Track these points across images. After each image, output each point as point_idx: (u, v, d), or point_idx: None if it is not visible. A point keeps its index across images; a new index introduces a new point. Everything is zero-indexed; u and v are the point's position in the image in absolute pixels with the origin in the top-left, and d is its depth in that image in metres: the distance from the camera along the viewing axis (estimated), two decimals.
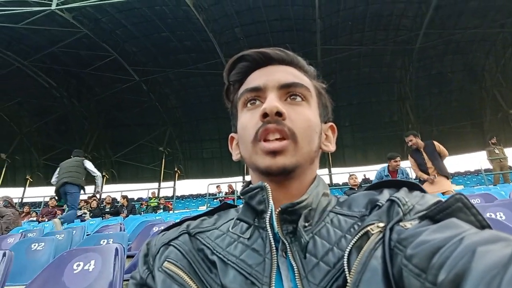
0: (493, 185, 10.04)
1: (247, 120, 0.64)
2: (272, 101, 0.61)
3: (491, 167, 11.47)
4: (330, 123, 0.74)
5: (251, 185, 0.62)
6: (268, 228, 0.55)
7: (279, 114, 0.60)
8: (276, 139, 0.59)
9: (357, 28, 16.42)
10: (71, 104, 20.60)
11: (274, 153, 0.59)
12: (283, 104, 0.63)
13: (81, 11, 14.15)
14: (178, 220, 0.71)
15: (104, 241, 3.55)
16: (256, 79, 0.67)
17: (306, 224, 0.57)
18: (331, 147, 0.71)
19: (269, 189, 0.59)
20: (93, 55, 16.94)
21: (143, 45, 17.05)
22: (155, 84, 20.13)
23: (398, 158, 6.90)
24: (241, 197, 0.65)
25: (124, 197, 10.66)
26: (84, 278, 1.91)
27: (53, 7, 13.02)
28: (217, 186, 14.55)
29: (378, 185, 0.64)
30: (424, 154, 6.27)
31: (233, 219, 0.65)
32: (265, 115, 0.60)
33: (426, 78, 19.84)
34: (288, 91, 0.65)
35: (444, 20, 15.87)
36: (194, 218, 0.70)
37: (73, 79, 19.46)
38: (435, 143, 6.38)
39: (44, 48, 16.06)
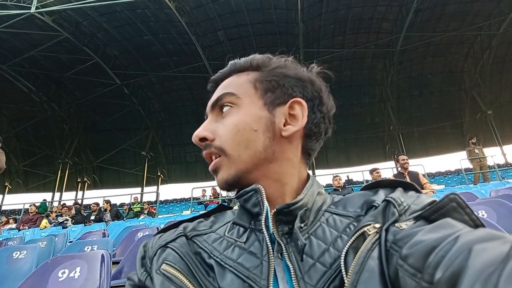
0: (473, 184, 10.24)
1: None
2: (197, 130, 0.65)
3: (471, 166, 11.71)
4: (293, 99, 0.65)
5: (245, 188, 0.61)
6: (264, 230, 0.55)
7: (203, 139, 0.64)
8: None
9: (338, 31, 16.61)
10: (51, 109, 20.25)
11: (214, 172, 0.63)
12: (217, 122, 0.66)
13: (61, 14, 13.94)
14: (173, 222, 0.70)
15: (88, 248, 3.51)
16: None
17: (302, 225, 0.56)
18: (296, 126, 0.63)
19: (263, 191, 0.58)
20: (74, 58, 16.72)
21: (124, 48, 16.89)
22: (137, 88, 19.96)
23: (379, 170, 7.33)
24: (236, 200, 0.64)
25: (107, 201, 10.44)
26: (70, 286, 1.89)
27: (33, 10, 12.79)
28: (203, 190, 14.45)
29: (374, 185, 0.64)
30: (407, 178, 6.45)
31: (229, 222, 0.64)
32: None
33: (407, 80, 20.20)
34: (218, 106, 0.66)
35: (424, 23, 16.21)
36: (191, 220, 0.69)
37: (53, 84, 19.15)
38: (420, 175, 6.60)
39: (23, 52, 15.79)
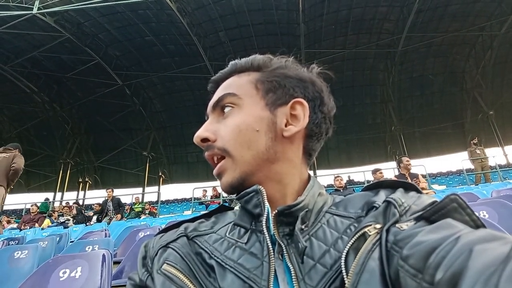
0: (475, 184, 10.22)
1: None
2: (199, 131, 0.65)
3: (472, 167, 11.70)
4: (294, 99, 0.65)
5: (246, 189, 0.61)
6: (265, 231, 0.55)
7: (205, 140, 0.64)
8: (217, 162, 0.63)
9: (340, 32, 16.59)
10: (53, 109, 20.29)
11: (218, 176, 0.63)
12: (218, 123, 0.65)
13: (63, 15, 13.97)
14: (175, 222, 0.70)
15: (89, 248, 3.50)
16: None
17: (303, 227, 0.56)
18: (297, 126, 0.63)
19: (264, 192, 0.58)
20: (75, 59, 16.75)
21: (126, 49, 16.91)
22: (139, 88, 19.97)
23: (382, 171, 7.38)
24: (238, 201, 0.64)
25: (111, 189, 10.46)
26: (71, 285, 1.88)
27: (35, 11, 12.82)
28: (204, 190, 14.44)
29: (374, 186, 0.63)
30: (409, 179, 6.45)
31: (230, 222, 0.64)
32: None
33: (408, 80, 20.16)
34: (220, 107, 0.66)
35: (425, 23, 16.19)
36: (192, 220, 0.69)
37: (54, 84, 19.17)
38: (420, 176, 6.70)
39: (25, 52, 15.82)
